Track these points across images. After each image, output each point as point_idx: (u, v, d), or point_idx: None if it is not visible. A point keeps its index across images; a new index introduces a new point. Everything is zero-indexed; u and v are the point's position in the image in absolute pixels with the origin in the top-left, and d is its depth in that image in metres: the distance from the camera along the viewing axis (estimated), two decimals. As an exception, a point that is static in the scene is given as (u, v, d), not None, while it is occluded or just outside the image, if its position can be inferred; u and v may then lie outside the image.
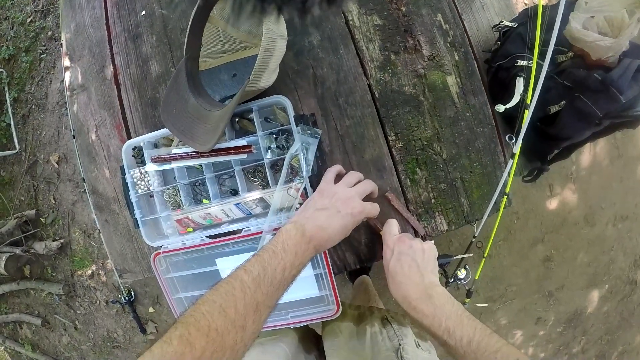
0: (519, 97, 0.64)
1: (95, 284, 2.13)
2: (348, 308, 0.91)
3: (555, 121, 0.84)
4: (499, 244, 1.88)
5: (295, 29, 0.80)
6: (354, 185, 0.68)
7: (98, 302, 2.15)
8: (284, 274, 0.53)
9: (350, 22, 0.80)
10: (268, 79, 0.69)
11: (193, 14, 0.72)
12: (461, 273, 0.99)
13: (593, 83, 0.75)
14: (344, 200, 0.63)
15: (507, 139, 0.67)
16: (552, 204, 1.88)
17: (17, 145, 2.13)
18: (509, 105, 0.66)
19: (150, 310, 2.05)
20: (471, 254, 0.95)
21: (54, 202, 2.14)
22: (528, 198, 1.86)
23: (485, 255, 1.08)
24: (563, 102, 0.81)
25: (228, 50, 0.81)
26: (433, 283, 0.61)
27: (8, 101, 2.15)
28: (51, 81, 2.13)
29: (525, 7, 1.01)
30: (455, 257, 0.85)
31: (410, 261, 0.62)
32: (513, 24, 0.95)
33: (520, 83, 0.65)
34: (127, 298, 1.95)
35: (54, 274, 2.20)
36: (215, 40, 0.80)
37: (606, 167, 1.88)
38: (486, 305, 1.92)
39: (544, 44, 0.81)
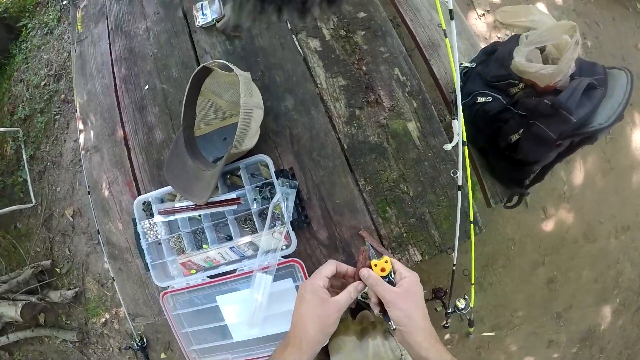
0: (457, 137, 0.72)
1: (108, 332, 2.17)
2: (351, 323, 0.95)
3: (518, 148, 0.88)
4: (499, 271, 1.81)
5: (272, 95, 0.93)
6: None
7: (111, 349, 2.18)
8: None
9: (319, 86, 0.93)
10: (250, 141, 0.82)
11: (187, 90, 0.87)
12: (460, 303, 1.02)
13: (544, 108, 0.79)
14: None
15: (451, 174, 0.75)
16: (548, 226, 1.83)
17: (33, 200, 2.26)
18: (451, 145, 0.73)
19: (162, 356, 2.07)
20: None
21: (68, 253, 2.24)
22: (522, 223, 1.82)
23: (472, 283, 1.06)
24: (521, 130, 0.86)
25: (219, 118, 0.95)
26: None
27: (25, 158, 2.31)
28: (65, 140, 2.29)
29: (485, 44, 1.10)
30: None
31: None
32: (472, 64, 1.02)
33: (455, 125, 0.73)
34: (139, 344, 1.97)
35: (68, 322, 2.25)
36: (206, 110, 0.94)
37: (599, 181, 1.85)
38: (493, 333, 1.83)
39: (498, 79, 0.91)
